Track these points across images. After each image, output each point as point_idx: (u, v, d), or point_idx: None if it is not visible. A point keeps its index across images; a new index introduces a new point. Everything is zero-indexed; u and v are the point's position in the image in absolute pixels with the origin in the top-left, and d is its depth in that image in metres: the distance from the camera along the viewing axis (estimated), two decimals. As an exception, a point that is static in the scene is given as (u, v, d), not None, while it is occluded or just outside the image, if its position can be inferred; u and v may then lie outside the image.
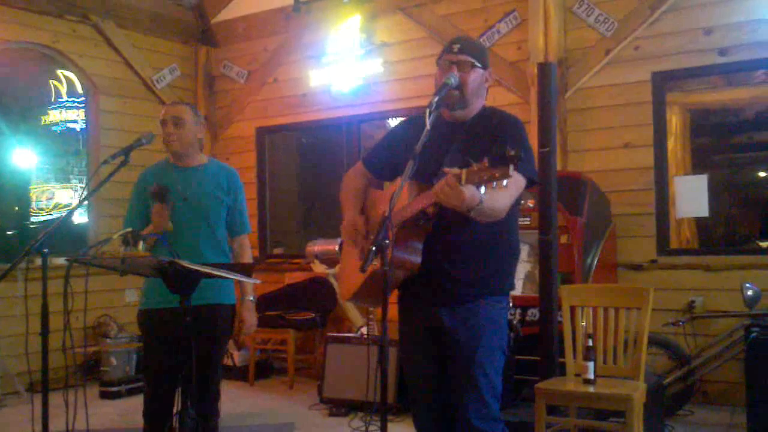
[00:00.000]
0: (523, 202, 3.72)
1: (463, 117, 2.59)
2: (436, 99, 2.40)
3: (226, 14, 7.53)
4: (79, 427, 2.92)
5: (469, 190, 2.08)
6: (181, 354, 2.78)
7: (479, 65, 2.56)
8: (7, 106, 9.94)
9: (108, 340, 6.17)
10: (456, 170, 2.09)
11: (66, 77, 9.49)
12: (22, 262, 2.91)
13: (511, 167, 1.97)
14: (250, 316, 3.39)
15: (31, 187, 10.60)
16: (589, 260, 4.78)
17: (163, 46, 7.33)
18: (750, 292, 4.48)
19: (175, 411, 3.10)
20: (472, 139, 2.53)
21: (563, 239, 4.64)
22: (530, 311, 4.65)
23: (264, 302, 6.40)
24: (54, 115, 9.86)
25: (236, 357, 6.41)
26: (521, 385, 4.54)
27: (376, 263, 2.19)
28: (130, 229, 3.11)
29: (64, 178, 10.67)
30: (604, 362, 3.64)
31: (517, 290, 4.80)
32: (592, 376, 3.50)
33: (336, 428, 4.83)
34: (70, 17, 6.52)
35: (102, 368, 6.06)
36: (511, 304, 4.43)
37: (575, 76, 5.57)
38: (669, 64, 5.29)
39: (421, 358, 2.65)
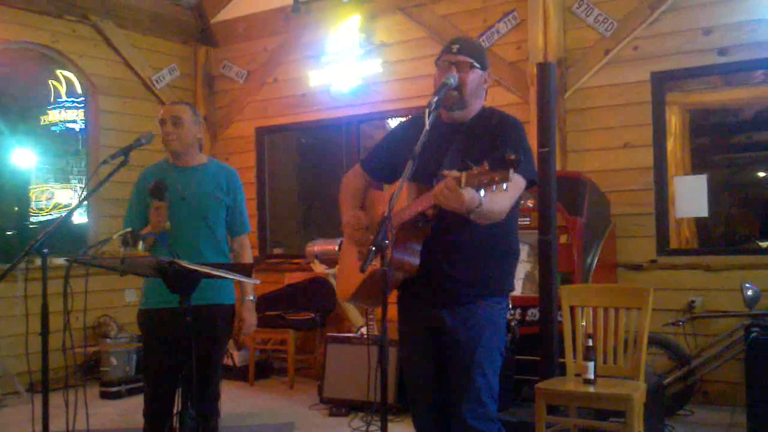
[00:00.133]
0: (522, 202, 3.71)
1: (462, 118, 2.59)
2: (435, 99, 2.41)
3: (225, 14, 7.53)
4: (79, 427, 2.92)
5: (468, 193, 2.09)
6: (181, 354, 2.78)
7: (478, 66, 2.56)
8: (7, 106, 9.94)
9: (108, 340, 6.17)
10: (455, 173, 2.09)
11: (65, 77, 9.50)
12: (21, 262, 2.91)
13: (511, 171, 1.98)
14: (249, 316, 3.39)
15: (30, 187, 10.60)
16: (588, 260, 4.78)
17: (162, 46, 7.33)
18: (750, 292, 4.48)
19: (175, 411, 3.09)
20: (471, 139, 2.53)
21: (563, 239, 4.64)
22: (530, 311, 4.65)
23: (264, 302, 6.40)
24: (53, 115, 9.87)
25: (236, 357, 6.41)
26: (521, 385, 4.54)
27: (376, 264, 2.19)
28: (129, 229, 3.11)
29: (63, 178, 10.68)
30: (604, 362, 3.64)
31: (517, 290, 4.79)
32: (592, 376, 3.50)
33: (336, 428, 4.83)
34: (70, 17, 6.52)
35: (102, 368, 6.06)
36: (510, 305, 4.44)
37: (575, 76, 5.57)
38: (668, 64, 5.29)
39: (420, 358, 2.65)
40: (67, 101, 9.75)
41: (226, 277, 2.92)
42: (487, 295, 2.55)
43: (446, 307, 2.53)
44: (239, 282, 3.21)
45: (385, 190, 2.80)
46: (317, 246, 6.43)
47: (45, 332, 2.70)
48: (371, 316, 5.28)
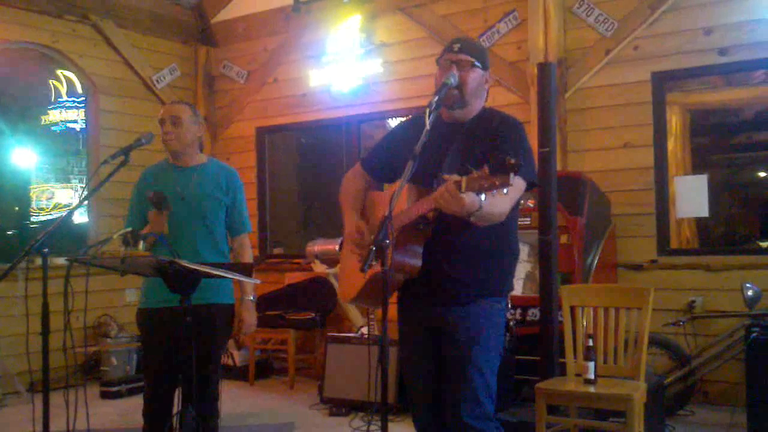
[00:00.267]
0: (522, 202, 3.71)
1: (463, 117, 2.59)
2: (435, 99, 2.41)
3: (225, 14, 7.53)
4: (79, 426, 2.92)
5: (469, 197, 2.10)
6: (181, 354, 2.78)
7: (479, 65, 2.56)
8: (7, 106, 9.95)
9: (108, 340, 6.17)
10: (456, 177, 2.10)
11: (66, 77, 9.51)
12: (22, 261, 2.91)
13: (512, 175, 1.98)
14: (249, 316, 3.39)
15: (31, 186, 10.62)
16: (589, 260, 4.78)
17: (162, 46, 7.33)
18: (750, 292, 4.48)
19: (175, 411, 3.09)
20: (471, 140, 2.53)
21: (563, 239, 4.64)
22: (530, 311, 4.65)
23: (264, 302, 6.39)
24: (54, 115, 9.88)
25: (236, 357, 6.41)
26: (522, 385, 4.54)
27: (376, 265, 2.19)
28: (129, 229, 3.12)
29: (64, 177, 10.69)
30: (605, 362, 3.64)
31: (518, 290, 4.80)
32: (592, 376, 3.50)
33: (336, 428, 4.82)
34: (70, 17, 6.52)
35: (102, 368, 6.07)
36: (510, 305, 4.44)
37: (575, 76, 5.57)
38: (669, 64, 5.29)
39: (420, 358, 2.65)
40: (67, 101, 9.76)
41: (227, 277, 2.92)
42: (487, 295, 2.55)
43: (446, 306, 2.53)
44: (239, 282, 3.21)
45: (385, 191, 2.80)
46: (317, 246, 6.43)
47: (45, 332, 2.70)
48: (372, 316, 5.28)
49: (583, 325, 3.70)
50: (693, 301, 5.02)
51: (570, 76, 5.58)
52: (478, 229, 2.38)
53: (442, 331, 2.55)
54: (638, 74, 5.37)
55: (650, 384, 3.67)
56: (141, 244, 3.11)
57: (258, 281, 3.13)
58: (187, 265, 2.64)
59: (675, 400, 4.66)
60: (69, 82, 9.48)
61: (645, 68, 5.34)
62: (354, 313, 5.98)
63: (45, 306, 2.71)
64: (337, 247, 6.01)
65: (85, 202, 6.26)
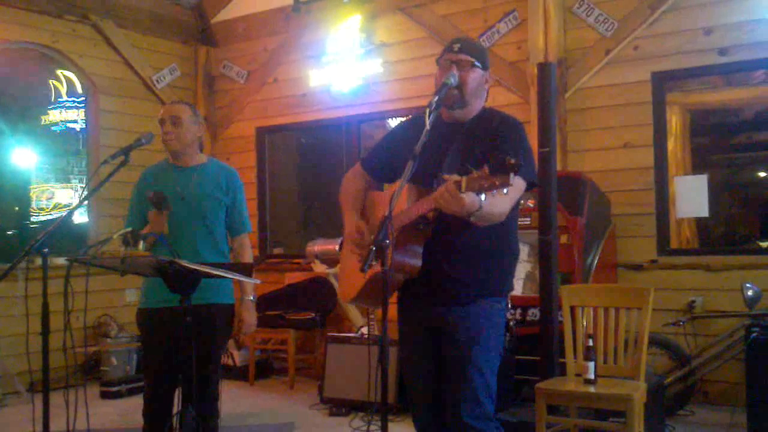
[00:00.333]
0: (522, 202, 3.71)
1: (463, 117, 2.59)
2: (435, 99, 2.41)
3: (225, 14, 7.53)
4: (79, 426, 2.92)
5: (469, 197, 2.10)
6: (180, 354, 2.78)
7: (479, 65, 2.57)
8: (7, 106, 9.95)
9: (108, 340, 6.17)
10: (456, 177, 2.10)
11: (66, 77, 9.51)
12: (22, 261, 2.91)
13: (512, 175, 1.98)
14: (249, 316, 3.39)
15: (31, 186, 10.62)
16: (589, 260, 4.78)
17: (162, 46, 7.33)
18: (750, 292, 4.48)
19: (174, 411, 3.09)
20: (471, 140, 2.53)
21: (563, 239, 4.64)
22: (530, 311, 4.65)
23: (264, 302, 6.40)
24: (54, 115, 9.89)
25: (236, 357, 6.41)
26: (522, 385, 4.54)
27: (376, 265, 2.19)
28: (130, 229, 3.12)
29: (64, 178, 10.70)
30: (605, 362, 3.64)
31: (518, 290, 4.80)
32: (592, 376, 3.50)
33: (336, 428, 4.82)
34: (70, 17, 6.52)
35: (102, 368, 6.07)
36: (510, 305, 4.44)
37: (575, 76, 5.57)
38: (669, 64, 5.29)
39: (420, 358, 2.66)
40: (67, 101, 9.76)
41: (227, 277, 2.92)
42: (487, 295, 2.55)
43: (446, 306, 2.54)
44: (239, 282, 3.21)
45: (385, 191, 2.80)
46: (318, 246, 6.43)
47: (45, 332, 2.70)
48: (372, 316, 5.28)
49: (583, 325, 3.70)
50: (693, 301, 5.02)
51: (570, 76, 5.58)
52: (478, 229, 2.38)
53: (442, 331, 2.55)
54: (638, 74, 5.37)
55: (650, 384, 3.67)
56: (141, 244, 3.11)
57: (258, 281, 3.13)
58: (187, 265, 2.64)
59: (675, 400, 4.66)
60: (69, 82, 9.49)
61: (645, 68, 5.35)
62: (354, 313, 5.98)
63: (45, 306, 2.71)
64: (337, 247, 6.01)
65: (85, 202, 6.27)
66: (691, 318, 4.91)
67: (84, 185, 9.80)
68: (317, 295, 6.27)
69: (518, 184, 2.33)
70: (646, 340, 3.56)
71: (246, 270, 3.06)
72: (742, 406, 4.30)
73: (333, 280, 6.16)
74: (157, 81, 7.18)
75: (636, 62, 5.38)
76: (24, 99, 9.98)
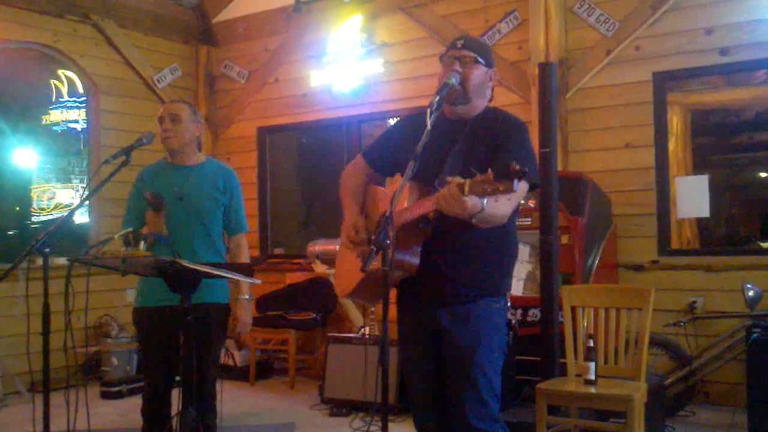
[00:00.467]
0: (523, 202, 3.72)
1: (465, 114, 2.58)
2: (437, 99, 2.40)
3: (226, 14, 7.53)
4: (79, 426, 2.92)
5: (471, 200, 2.09)
6: (177, 353, 2.78)
7: (482, 62, 2.55)
8: (8, 105, 9.96)
9: (109, 340, 6.17)
10: (459, 180, 2.08)
11: (67, 77, 9.52)
12: (23, 261, 2.91)
13: (516, 181, 1.97)
14: (244, 314, 3.37)
15: (32, 186, 10.63)
16: (590, 261, 4.78)
17: (163, 46, 7.34)
18: (751, 293, 4.48)
19: (175, 412, 3.09)
20: (473, 140, 2.52)
21: (564, 240, 4.64)
22: (531, 312, 4.65)
23: (265, 302, 6.41)
24: (55, 115, 9.90)
25: (237, 357, 6.41)
26: (522, 385, 4.54)
27: (376, 263, 2.19)
28: (131, 229, 3.12)
29: (65, 177, 10.71)
30: (605, 363, 3.64)
31: (518, 291, 4.80)
32: (593, 377, 3.50)
33: (337, 428, 4.82)
34: (71, 17, 6.52)
35: (103, 368, 6.07)
36: (509, 304, 4.43)
37: (576, 76, 5.57)
38: (670, 64, 5.28)
39: (420, 358, 2.65)
40: (68, 101, 9.77)
41: (228, 277, 2.92)
42: (486, 295, 2.54)
43: (445, 307, 2.53)
44: (236, 281, 3.21)
45: (386, 187, 2.80)
46: (318, 246, 6.44)
47: (46, 332, 2.70)
48: (372, 316, 5.28)
49: (583, 326, 3.70)
50: (694, 302, 5.01)
51: (571, 76, 5.58)
52: (478, 230, 2.37)
53: (443, 331, 2.55)
54: (639, 74, 5.36)
55: (651, 384, 3.67)
56: (142, 244, 3.11)
57: (259, 281, 3.13)
58: (188, 265, 2.64)
59: (676, 400, 4.65)
60: (70, 81, 9.50)
61: (646, 68, 5.34)
62: (354, 313, 5.98)
63: (46, 306, 2.71)
64: (337, 248, 6.01)
65: (86, 202, 6.27)
66: (691, 318, 4.90)
67: (85, 185, 9.81)
68: (318, 296, 6.28)
69: (521, 187, 2.32)
70: (646, 340, 3.56)
71: (247, 270, 3.06)
72: (743, 406, 4.29)
73: (333, 281, 6.15)
74: (158, 81, 7.19)
75: (637, 62, 5.37)
76: (25, 99, 9.99)
